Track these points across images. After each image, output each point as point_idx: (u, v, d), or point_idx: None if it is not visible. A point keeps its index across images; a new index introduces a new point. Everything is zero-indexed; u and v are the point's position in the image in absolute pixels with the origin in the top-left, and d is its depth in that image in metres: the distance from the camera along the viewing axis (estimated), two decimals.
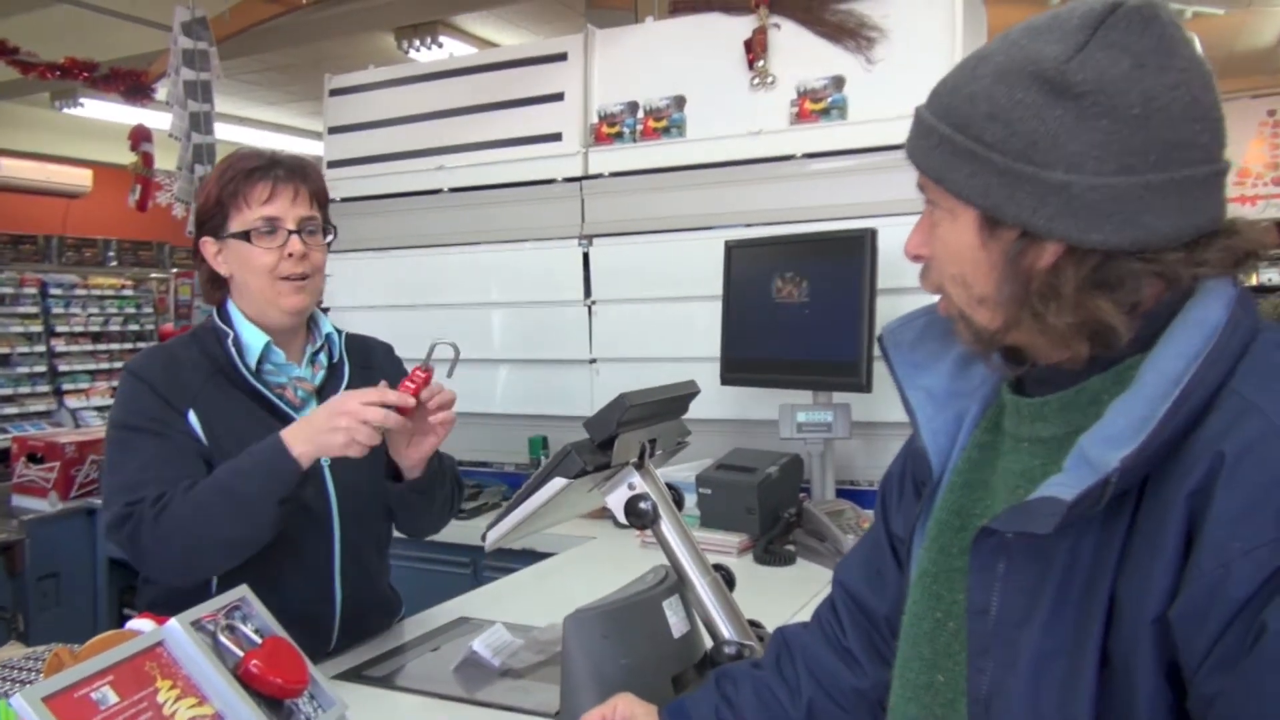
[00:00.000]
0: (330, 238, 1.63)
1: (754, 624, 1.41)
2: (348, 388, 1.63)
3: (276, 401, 1.56)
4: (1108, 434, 0.74)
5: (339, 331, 1.70)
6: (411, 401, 1.43)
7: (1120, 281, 0.76)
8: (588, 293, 2.91)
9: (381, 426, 1.40)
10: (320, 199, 1.62)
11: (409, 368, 1.50)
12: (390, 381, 1.47)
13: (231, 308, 1.60)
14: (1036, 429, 0.85)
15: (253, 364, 1.57)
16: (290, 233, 1.54)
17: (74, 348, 5.59)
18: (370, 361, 1.73)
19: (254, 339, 1.58)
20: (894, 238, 2.14)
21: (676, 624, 1.35)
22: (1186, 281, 0.77)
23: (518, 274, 3.02)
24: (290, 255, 1.54)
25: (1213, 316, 0.74)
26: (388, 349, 1.81)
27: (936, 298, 0.89)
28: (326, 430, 1.40)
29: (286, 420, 1.55)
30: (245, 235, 1.54)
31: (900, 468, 1.07)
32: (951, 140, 0.80)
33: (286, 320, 1.58)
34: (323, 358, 1.67)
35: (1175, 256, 0.76)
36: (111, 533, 1.45)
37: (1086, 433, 0.76)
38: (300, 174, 1.58)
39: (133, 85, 4.62)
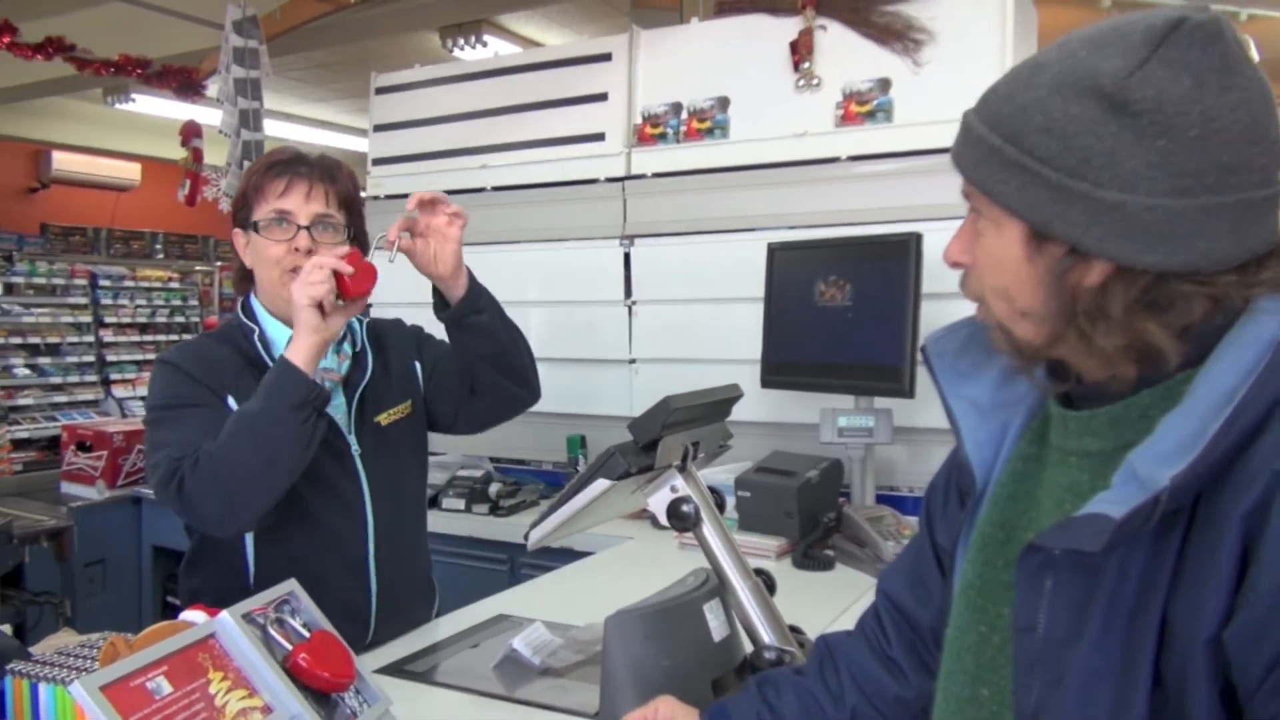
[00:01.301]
0: (346, 237, 1.61)
1: (794, 629, 1.40)
2: (371, 374, 1.67)
3: None
4: (1158, 451, 0.72)
5: (360, 320, 1.72)
6: (348, 268, 1.48)
7: (1170, 303, 0.74)
8: (628, 293, 2.91)
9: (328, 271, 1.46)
10: (345, 202, 1.62)
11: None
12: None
13: (255, 303, 1.64)
14: (1084, 443, 0.83)
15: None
16: (300, 228, 1.56)
17: (121, 338, 5.69)
18: (385, 342, 1.75)
19: (278, 333, 1.61)
20: (939, 242, 2.10)
21: (717, 627, 1.35)
22: (1238, 302, 0.75)
23: (559, 273, 3.03)
24: (297, 249, 1.55)
25: (1267, 333, 0.72)
26: (398, 322, 1.85)
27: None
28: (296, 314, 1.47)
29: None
30: (256, 227, 1.57)
31: (945, 477, 1.06)
32: (1001, 151, 0.78)
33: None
34: (347, 347, 1.69)
35: (1228, 279, 0.74)
36: (160, 492, 1.47)
37: (1136, 449, 0.74)
38: (323, 173, 1.59)
39: (184, 82, 4.69)
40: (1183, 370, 0.76)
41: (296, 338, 1.46)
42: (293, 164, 1.59)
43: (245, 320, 1.62)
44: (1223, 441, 0.70)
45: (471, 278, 1.68)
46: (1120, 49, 0.74)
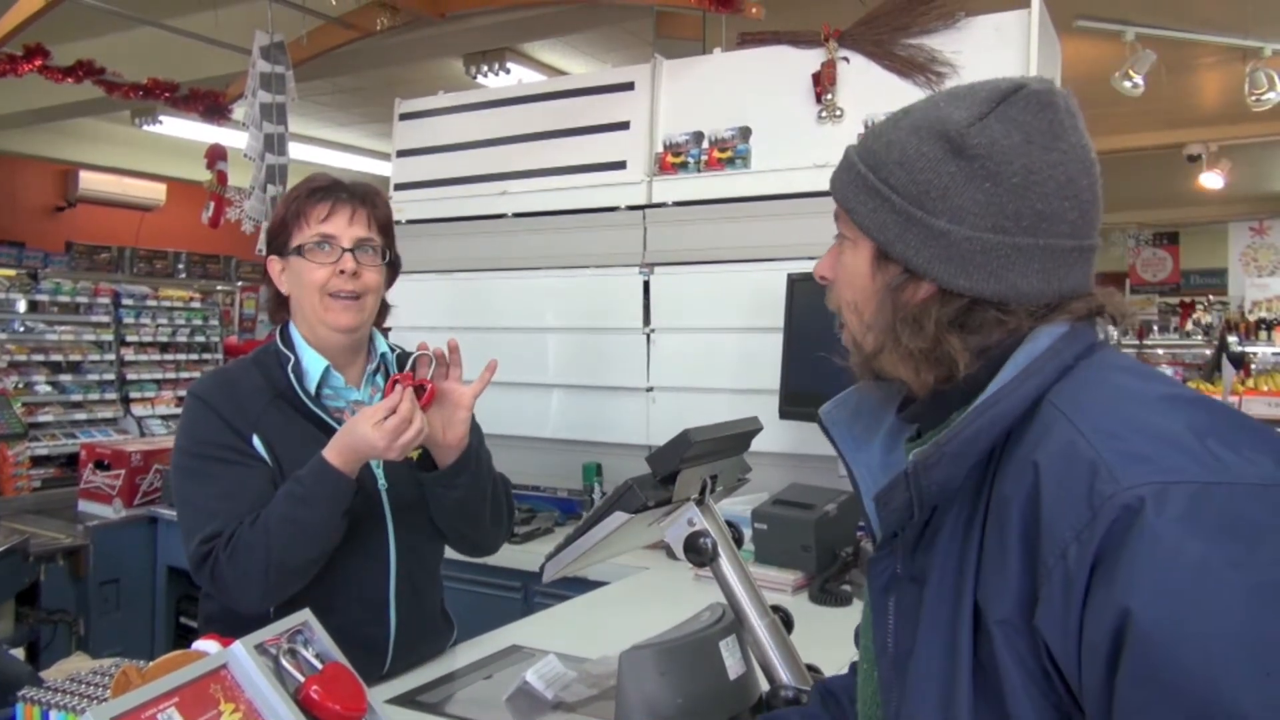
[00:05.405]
0: (386, 259, 1.64)
1: (812, 668, 1.38)
2: None
3: (335, 426, 1.57)
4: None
5: (393, 350, 1.72)
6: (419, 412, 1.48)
7: (977, 327, 0.84)
8: (647, 321, 2.91)
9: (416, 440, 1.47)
10: (383, 225, 1.64)
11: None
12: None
13: (293, 331, 1.63)
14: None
15: (312, 389, 1.59)
16: (345, 250, 1.57)
17: (142, 357, 5.72)
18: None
19: (314, 364, 1.60)
20: None
21: (733, 665, 1.33)
22: (1026, 329, 0.84)
23: (578, 300, 3.04)
24: (342, 272, 1.56)
25: (1038, 347, 0.82)
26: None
27: (861, 381, 0.99)
28: (375, 457, 1.47)
29: None
30: (301, 250, 1.57)
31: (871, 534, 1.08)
32: (865, 178, 0.89)
33: (336, 338, 1.60)
34: (380, 379, 1.69)
35: (1027, 314, 0.84)
36: (195, 573, 1.50)
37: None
38: (362, 198, 1.61)
39: (211, 105, 4.76)
40: (981, 391, 0.83)
41: (356, 453, 1.46)
42: (333, 190, 1.60)
43: (283, 348, 1.61)
44: (968, 428, 0.79)
45: (466, 451, 1.59)
46: (969, 103, 0.85)
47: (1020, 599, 0.74)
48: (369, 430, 1.43)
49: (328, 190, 1.60)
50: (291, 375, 1.58)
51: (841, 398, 1.03)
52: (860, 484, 0.99)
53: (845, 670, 1.23)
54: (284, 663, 1.03)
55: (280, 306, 1.66)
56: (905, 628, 0.86)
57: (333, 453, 1.46)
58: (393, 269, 1.69)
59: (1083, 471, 0.72)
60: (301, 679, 1.03)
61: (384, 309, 1.71)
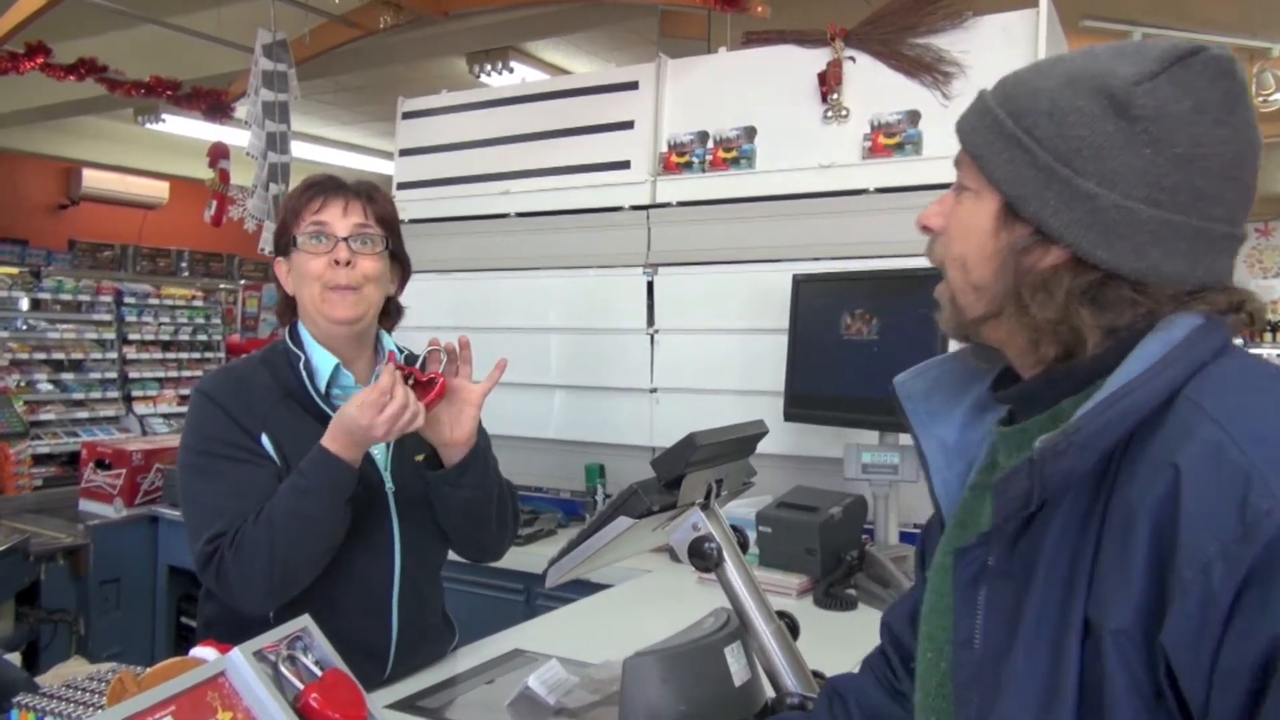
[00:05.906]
0: (387, 247, 1.61)
1: (818, 675, 1.36)
2: None
3: None
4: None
5: (400, 350, 1.71)
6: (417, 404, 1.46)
7: (1109, 304, 0.77)
8: (651, 321, 2.89)
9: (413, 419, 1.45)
10: (382, 219, 1.61)
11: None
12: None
13: (302, 330, 1.62)
14: (1021, 457, 0.83)
15: (322, 387, 1.58)
16: (339, 240, 1.55)
17: (144, 355, 5.71)
18: None
19: (324, 362, 1.59)
20: None
21: (738, 672, 1.31)
22: (1159, 314, 0.78)
23: (581, 300, 3.02)
24: (337, 263, 1.54)
25: (1174, 336, 0.75)
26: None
27: (946, 352, 0.91)
28: (369, 440, 1.46)
29: None
30: (297, 243, 1.56)
31: (936, 516, 1.05)
32: (1003, 124, 0.81)
33: (336, 331, 1.58)
34: None
35: (1166, 296, 0.77)
36: (201, 573, 1.48)
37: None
38: (358, 192, 1.60)
39: (213, 104, 4.75)
40: (1102, 377, 0.77)
41: (355, 443, 1.45)
42: (327, 185, 1.59)
43: (292, 347, 1.60)
44: (1100, 417, 0.72)
45: (473, 450, 1.58)
46: (1138, 59, 0.77)
47: (1142, 610, 0.68)
48: (353, 409, 1.43)
49: (322, 185, 1.59)
50: (303, 373, 1.57)
51: (922, 368, 0.96)
52: (929, 462, 0.94)
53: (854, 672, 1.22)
54: (283, 669, 1.02)
55: (288, 308, 1.65)
56: (997, 625, 0.79)
57: (329, 440, 1.46)
58: (401, 266, 1.68)
59: (1234, 480, 0.65)
60: (300, 686, 1.02)
61: (395, 311, 1.70)
